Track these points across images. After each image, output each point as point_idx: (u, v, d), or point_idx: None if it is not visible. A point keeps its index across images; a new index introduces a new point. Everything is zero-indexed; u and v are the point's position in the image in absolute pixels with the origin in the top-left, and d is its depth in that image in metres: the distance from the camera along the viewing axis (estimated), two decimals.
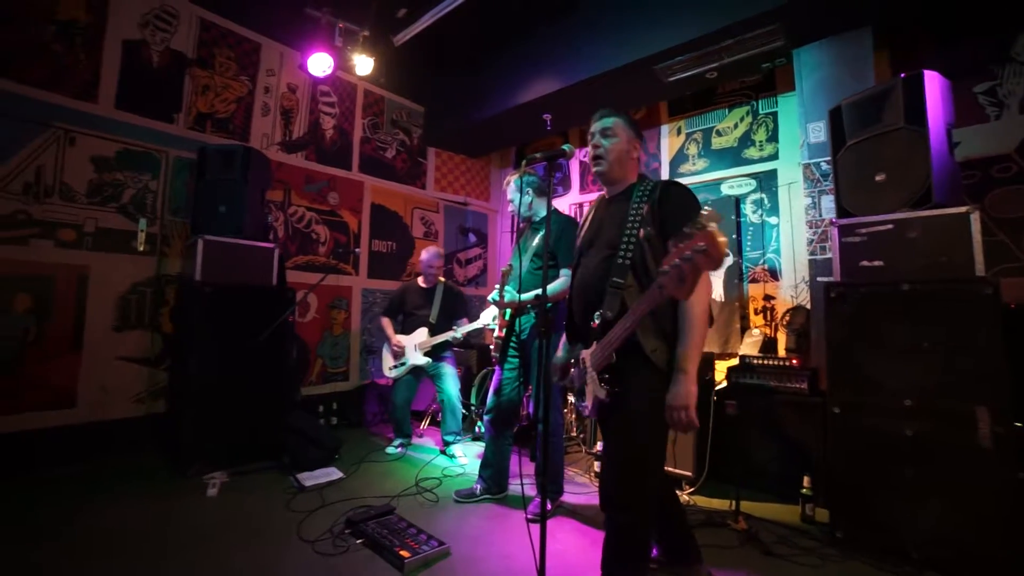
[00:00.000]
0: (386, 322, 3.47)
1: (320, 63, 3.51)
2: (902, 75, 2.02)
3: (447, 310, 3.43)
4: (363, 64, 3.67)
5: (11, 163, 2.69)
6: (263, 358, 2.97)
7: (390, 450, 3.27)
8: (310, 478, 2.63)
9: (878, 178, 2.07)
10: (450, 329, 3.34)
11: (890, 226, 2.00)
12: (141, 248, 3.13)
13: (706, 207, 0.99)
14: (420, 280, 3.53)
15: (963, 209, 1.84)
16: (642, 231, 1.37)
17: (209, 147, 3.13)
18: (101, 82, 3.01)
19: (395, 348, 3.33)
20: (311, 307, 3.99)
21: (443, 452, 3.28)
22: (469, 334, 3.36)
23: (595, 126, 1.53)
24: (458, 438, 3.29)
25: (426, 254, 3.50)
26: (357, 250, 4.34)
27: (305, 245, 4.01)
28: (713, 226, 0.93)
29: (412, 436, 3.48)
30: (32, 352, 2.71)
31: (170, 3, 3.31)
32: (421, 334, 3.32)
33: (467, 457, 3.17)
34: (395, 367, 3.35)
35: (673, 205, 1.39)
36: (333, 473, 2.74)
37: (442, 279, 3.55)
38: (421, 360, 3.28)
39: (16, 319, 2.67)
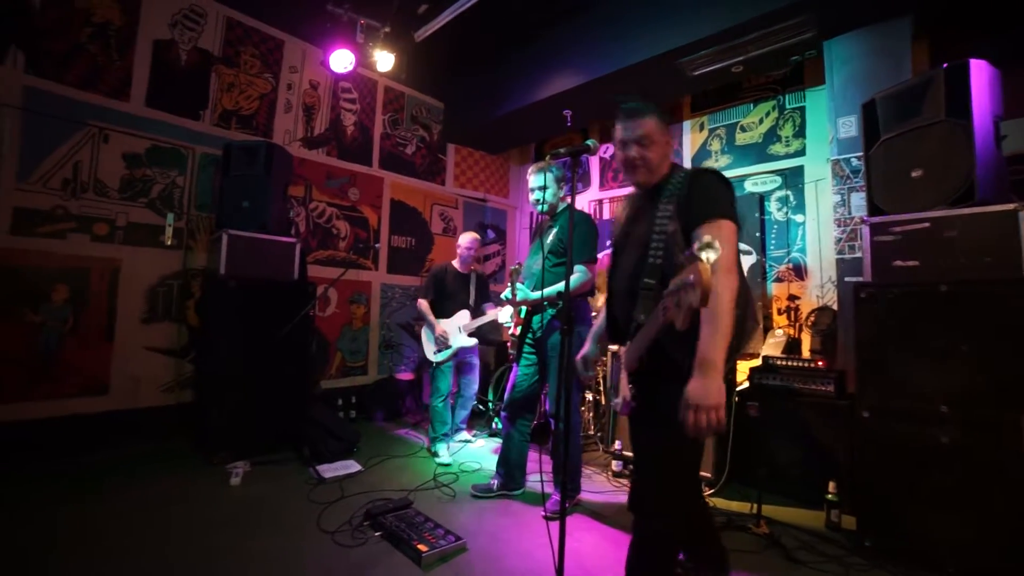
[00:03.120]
0: (426, 305, 3.27)
1: (341, 60, 3.54)
2: (944, 65, 1.93)
3: (481, 296, 3.41)
4: (384, 60, 3.69)
5: (51, 160, 2.80)
6: (285, 351, 3.02)
7: (443, 459, 2.98)
8: (329, 470, 2.68)
9: (914, 174, 1.98)
10: (481, 314, 3.27)
11: (926, 224, 1.92)
12: (169, 242, 3.21)
13: (712, 238, 0.91)
14: (457, 264, 3.41)
15: (1010, 207, 1.74)
16: (671, 226, 1.27)
17: (233, 143, 3.19)
18: (133, 81, 3.10)
19: (439, 335, 3.16)
20: (331, 301, 4.05)
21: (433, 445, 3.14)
22: (492, 326, 3.29)
23: (627, 132, 1.38)
24: (459, 433, 3.40)
25: (466, 239, 3.39)
26: (377, 245, 4.38)
27: (326, 240, 4.06)
28: (706, 258, 0.88)
29: (455, 428, 3.36)
30: (70, 341, 2.83)
31: (198, 3, 3.38)
32: (464, 316, 3.24)
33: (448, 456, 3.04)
34: (439, 351, 3.19)
35: (697, 196, 1.28)
36: (352, 466, 2.78)
37: (475, 266, 3.51)
38: (469, 342, 3.19)
39: (56, 309, 2.79)
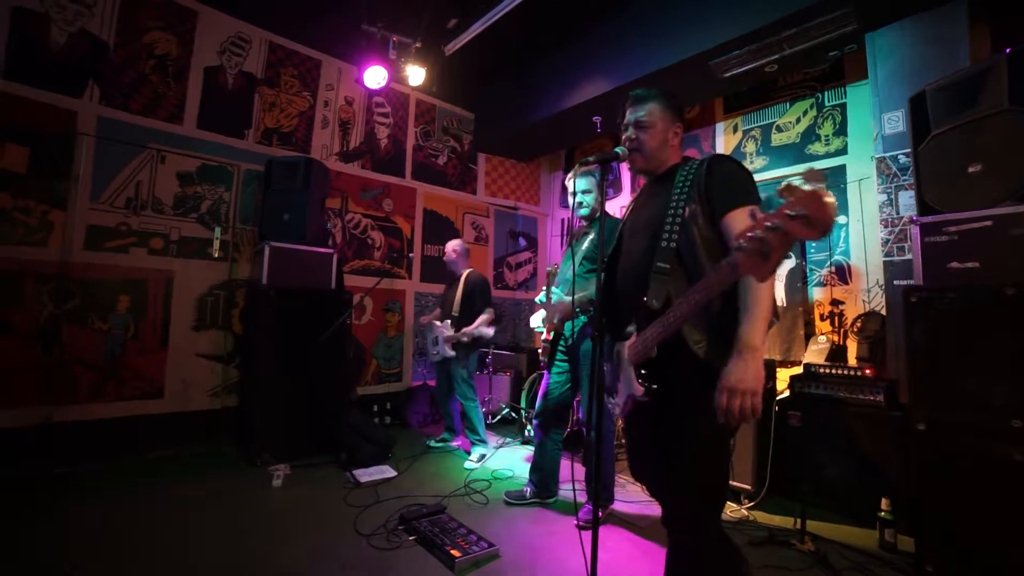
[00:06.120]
0: (435, 313, 3.59)
1: (375, 76, 3.67)
2: (1007, 50, 1.80)
3: (467, 303, 3.34)
4: (415, 75, 3.79)
5: (117, 181, 3.05)
6: (323, 358, 3.13)
7: (431, 443, 3.47)
8: (365, 474, 2.74)
9: (972, 170, 1.86)
10: (469, 322, 3.29)
11: (988, 223, 1.79)
12: (216, 254, 3.41)
13: (808, 168, 0.79)
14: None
15: None
16: (687, 209, 1.19)
17: (275, 160, 3.36)
18: (186, 105, 3.33)
19: (436, 334, 3.37)
20: (367, 310, 4.17)
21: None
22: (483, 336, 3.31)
23: (628, 115, 1.38)
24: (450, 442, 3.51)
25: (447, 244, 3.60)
26: (410, 255, 4.49)
27: (361, 250, 4.20)
28: (818, 185, 0.74)
29: (456, 433, 3.51)
30: (131, 346, 3.05)
31: (244, 30, 3.60)
32: (447, 327, 3.32)
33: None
34: (434, 355, 3.42)
35: (721, 178, 1.21)
36: (387, 471, 2.83)
37: (469, 269, 3.50)
38: (449, 353, 3.28)
39: (120, 317, 3.03)
